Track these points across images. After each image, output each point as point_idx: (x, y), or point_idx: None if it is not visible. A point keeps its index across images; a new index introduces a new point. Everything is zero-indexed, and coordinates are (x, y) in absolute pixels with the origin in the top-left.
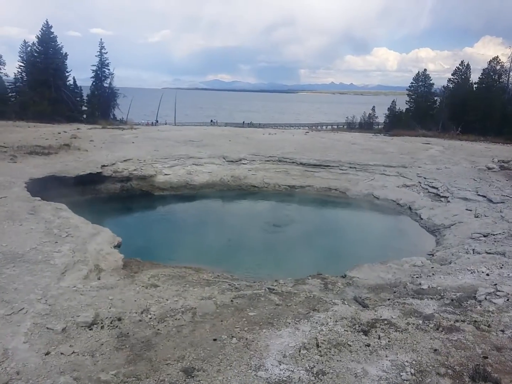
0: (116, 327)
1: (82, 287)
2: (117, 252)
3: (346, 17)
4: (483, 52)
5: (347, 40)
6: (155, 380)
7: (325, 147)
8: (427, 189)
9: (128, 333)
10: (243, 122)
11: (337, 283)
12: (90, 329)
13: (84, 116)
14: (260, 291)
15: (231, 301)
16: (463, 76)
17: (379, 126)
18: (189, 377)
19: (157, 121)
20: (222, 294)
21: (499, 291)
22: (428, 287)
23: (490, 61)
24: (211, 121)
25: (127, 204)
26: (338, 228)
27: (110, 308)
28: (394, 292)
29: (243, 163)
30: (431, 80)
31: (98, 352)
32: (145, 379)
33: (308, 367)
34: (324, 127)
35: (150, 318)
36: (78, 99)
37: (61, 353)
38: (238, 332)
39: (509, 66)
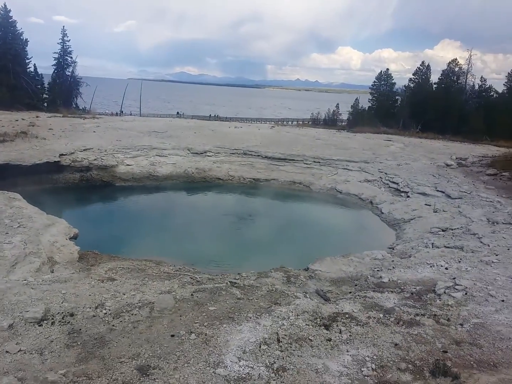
0: (68, 323)
1: (33, 280)
2: (72, 244)
3: (312, 16)
4: (442, 55)
5: (313, 38)
6: (108, 379)
7: (290, 141)
8: (388, 184)
9: (80, 330)
10: (210, 115)
11: (300, 276)
12: (39, 325)
13: (45, 104)
14: (221, 285)
15: (191, 295)
16: (423, 77)
17: (343, 123)
18: (144, 375)
19: (121, 112)
20: (182, 288)
21: (457, 285)
22: (389, 280)
23: (449, 63)
24: (177, 113)
25: (86, 194)
26: (301, 221)
27: (62, 302)
28: (356, 285)
29: (208, 155)
30: (393, 79)
31: (47, 350)
32: (97, 378)
33: (268, 363)
34: (290, 123)
35: (105, 313)
36: (38, 86)
37: (6, 351)
38: (198, 328)
39: (466, 68)
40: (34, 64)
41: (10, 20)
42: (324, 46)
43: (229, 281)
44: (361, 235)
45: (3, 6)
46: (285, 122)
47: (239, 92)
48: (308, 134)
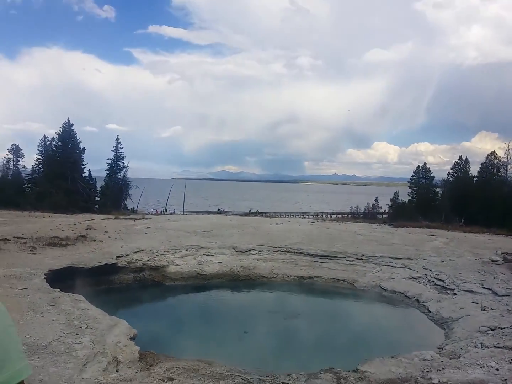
0: None
1: (102, 379)
2: (133, 344)
3: (346, 115)
4: (480, 146)
5: (348, 135)
6: None
7: (331, 237)
8: (433, 281)
9: None
10: (250, 210)
11: (349, 378)
12: None
13: (97, 206)
14: None
15: None
16: (462, 170)
17: (383, 216)
18: None
19: (166, 210)
20: None
21: None
22: (439, 381)
23: (488, 156)
24: (218, 209)
25: (140, 294)
26: (347, 320)
27: None
28: None
29: (252, 254)
30: (431, 173)
31: None
32: None
33: None
34: (329, 216)
35: None
36: (92, 190)
37: None
38: None
39: (506, 160)
40: (89, 169)
41: (71, 133)
42: (360, 142)
43: (281, 382)
44: (409, 334)
45: (67, 120)
46: (324, 216)
47: (277, 187)
48: (348, 229)
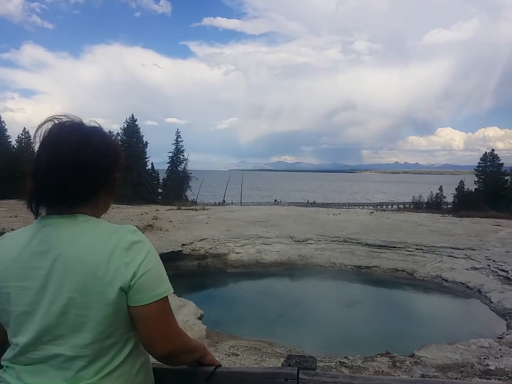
0: None
1: None
2: (200, 323)
3: (407, 101)
4: None
5: (409, 121)
6: None
7: (391, 228)
8: (496, 272)
9: None
10: (308, 201)
11: (405, 362)
12: None
13: (160, 197)
14: (331, 364)
15: None
16: None
17: (448, 206)
18: None
19: (224, 201)
20: None
21: None
22: (496, 368)
23: None
24: (275, 200)
25: (203, 280)
26: (405, 308)
27: None
28: (462, 372)
29: (309, 243)
30: (499, 160)
31: None
32: None
33: None
34: (389, 207)
35: None
36: (155, 182)
37: None
38: None
39: None
40: (152, 162)
41: (135, 128)
42: (422, 128)
43: (338, 361)
44: (469, 323)
45: (130, 116)
46: (384, 207)
47: (334, 177)
48: (409, 220)
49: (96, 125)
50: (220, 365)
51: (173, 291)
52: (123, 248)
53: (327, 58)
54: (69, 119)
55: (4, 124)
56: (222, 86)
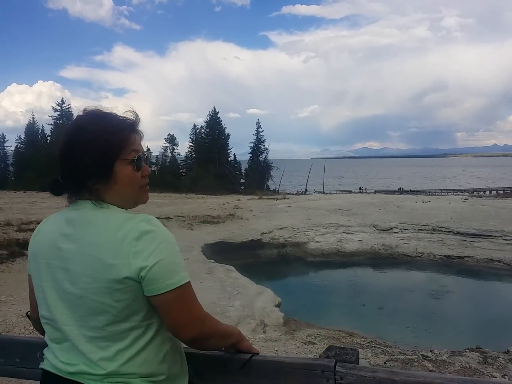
0: None
1: (251, 337)
2: (278, 310)
3: (504, 78)
4: None
5: (509, 100)
6: None
7: (486, 215)
8: None
9: None
10: (399, 188)
11: (498, 358)
12: None
13: (242, 187)
14: (413, 357)
15: (384, 363)
16: None
17: None
18: None
19: (306, 190)
20: (375, 356)
21: None
22: None
23: None
24: (360, 188)
25: (283, 268)
26: (501, 301)
27: None
28: None
29: (395, 232)
30: None
31: None
32: None
33: None
34: (487, 193)
35: None
36: (237, 172)
37: None
38: None
39: None
40: (234, 153)
41: (217, 120)
42: None
43: (421, 355)
44: None
45: (212, 109)
46: (481, 193)
47: (424, 162)
48: (508, 206)
49: (129, 115)
50: (258, 353)
51: (189, 280)
52: (132, 237)
53: (413, 37)
54: (89, 111)
55: None
56: (302, 73)
